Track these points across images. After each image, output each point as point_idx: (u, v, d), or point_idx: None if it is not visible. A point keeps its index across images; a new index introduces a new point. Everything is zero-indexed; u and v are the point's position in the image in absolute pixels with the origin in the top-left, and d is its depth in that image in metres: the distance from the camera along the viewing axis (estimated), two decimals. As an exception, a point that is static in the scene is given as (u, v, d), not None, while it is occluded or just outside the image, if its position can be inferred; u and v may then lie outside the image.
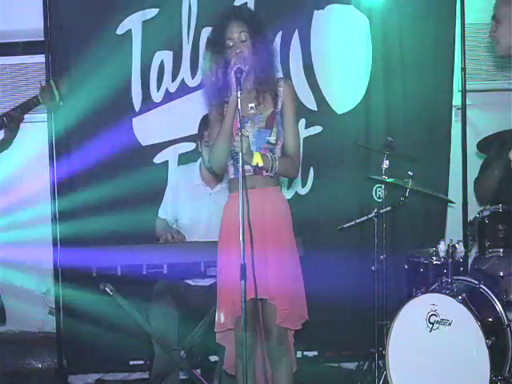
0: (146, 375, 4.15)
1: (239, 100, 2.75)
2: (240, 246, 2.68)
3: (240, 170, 2.73)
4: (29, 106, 3.64)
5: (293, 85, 3.12)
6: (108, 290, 3.38)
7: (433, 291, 3.39)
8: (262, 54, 2.91)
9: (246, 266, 2.67)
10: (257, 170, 2.91)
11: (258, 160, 2.84)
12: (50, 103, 3.68)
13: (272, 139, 2.94)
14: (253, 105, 2.94)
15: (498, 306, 3.44)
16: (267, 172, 2.90)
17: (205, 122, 3.75)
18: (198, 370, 3.80)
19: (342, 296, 4.30)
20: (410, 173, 3.80)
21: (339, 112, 4.35)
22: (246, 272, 2.67)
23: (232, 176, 3.01)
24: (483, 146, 3.97)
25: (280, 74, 3.10)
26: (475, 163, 4.32)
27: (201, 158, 3.85)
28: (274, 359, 2.94)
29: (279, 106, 2.97)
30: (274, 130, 2.94)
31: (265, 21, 3.05)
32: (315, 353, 4.38)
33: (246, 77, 2.85)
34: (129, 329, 4.00)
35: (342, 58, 4.35)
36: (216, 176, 3.69)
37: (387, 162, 3.83)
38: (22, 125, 4.60)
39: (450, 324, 3.21)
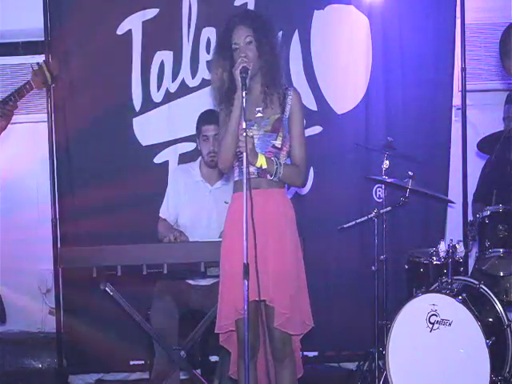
0: (146, 375, 4.14)
1: (244, 100, 2.76)
2: (242, 246, 2.68)
3: (245, 169, 2.73)
4: (22, 92, 3.64)
5: (300, 96, 3.10)
6: (108, 290, 3.38)
7: (433, 291, 3.39)
8: (267, 56, 2.92)
9: (248, 265, 2.67)
10: (261, 172, 2.91)
11: (262, 162, 2.86)
12: (43, 86, 3.69)
13: (277, 143, 2.94)
14: (260, 108, 2.96)
15: (498, 306, 3.44)
16: (271, 176, 2.91)
17: (203, 118, 3.77)
18: (198, 370, 3.79)
19: (341, 296, 4.32)
20: (410, 173, 3.79)
21: (339, 112, 4.35)
22: (249, 271, 2.67)
23: (237, 178, 3.01)
24: (483, 146, 3.97)
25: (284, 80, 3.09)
26: (475, 163, 4.33)
27: (200, 156, 3.85)
28: (278, 360, 2.94)
29: (287, 112, 2.98)
30: (279, 135, 2.94)
31: (271, 23, 3.03)
32: (315, 353, 4.38)
33: (252, 79, 2.86)
34: (129, 329, 4.01)
35: (342, 58, 4.35)
36: (216, 172, 3.70)
37: (387, 162, 3.82)
38: (22, 125, 4.65)
39: (450, 324, 3.21)
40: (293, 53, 4.29)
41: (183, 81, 4.31)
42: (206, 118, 3.75)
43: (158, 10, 4.28)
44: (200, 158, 3.86)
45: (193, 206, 3.79)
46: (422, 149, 4.34)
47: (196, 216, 3.77)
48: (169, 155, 4.32)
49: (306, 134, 4.19)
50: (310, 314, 2.97)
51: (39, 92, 4.52)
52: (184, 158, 4.25)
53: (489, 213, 3.71)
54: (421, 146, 4.35)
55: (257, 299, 2.79)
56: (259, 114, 2.95)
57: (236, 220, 2.87)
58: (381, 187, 4.17)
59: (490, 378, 3.10)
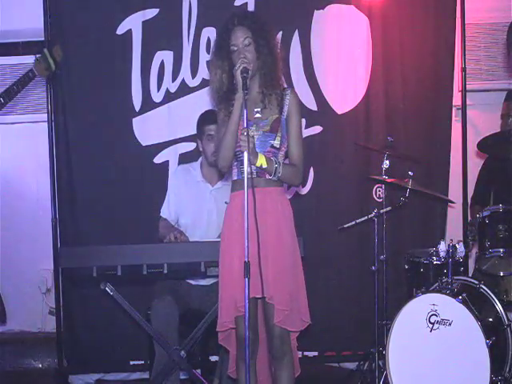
0: (146, 375, 4.14)
1: (245, 100, 2.77)
2: (242, 244, 2.71)
3: (245, 167, 2.74)
4: (25, 80, 3.63)
5: (299, 97, 3.11)
6: (108, 290, 3.37)
7: (433, 291, 3.39)
8: (266, 58, 2.93)
9: (249, 264, 2.69)
10: (259, 172, 2.92)
11: (262, 161, 2.88)
12: (46, 73, 3.66)
13: (276, 143, 2.96)
14: (259, 109, 2.97)
15: (498, 306, 3.44)
16: (270, 175, 2.93)
17: (205, 118, 3.76)
18: (198, 370, 3.79)
19: (342, 296, 4.32)
20: (410, 173, 3.79)
21: (339, 112, 4.35)
22: (250, 270, 2.69)
23: (235, 177, 3.03)
24: (483, 145, 3.97)
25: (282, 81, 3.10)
26: (475, 163, 4.33)
27: (202, 157, 3.85)
28: (276, 358, 2.94)
29: (285, 113, 2.99)
30: (278, 135, 2.96)
31: (269, 24, 3.04)
32: (315, 353, 4.38)
33: (250, 79, 2.88)
34: (129, 329, 4.01)
35: (342, 58, 4.35)
36: (217, 172, 3.69)
37: (387, 162, 3.82)
38: (22, 125, 4.66)
39: (450, 324, 3.21)
40: (293, 53, 4.29)
41: (183, 81, 4.31)
42: (209, 117, 3.74)
43: (157, 10, 4.27)
44: (201, 158, 3.86)
45: (193, 206, 3.79)
46: (422, 149, 4.34)
47: (196, 216, 3.77)
48: (169, 155, 4.32)
49: (306, 134, 4.25)
50: (307, 311, 2.98)
51: (39, 92, 4.54)
52: (184, 158, 4.25)
53: (489, 213, 3.72)
54: (421, 146, 4.35)
55: (257, 296, 2.82)
56: (258, 115, 2.97)
57: (235, 218, 2.91)
58: (381, 187, 4.17)
59: (490, 378, 3.10)
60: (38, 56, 3.63)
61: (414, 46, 4.33)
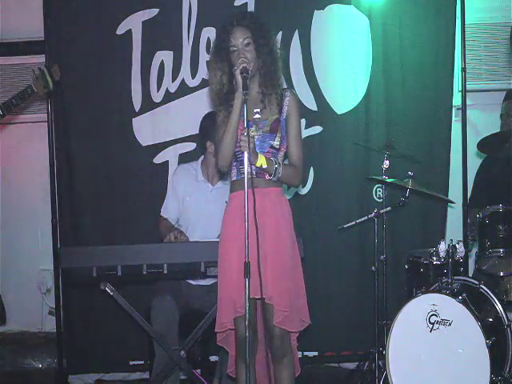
0: (146, 375, 4.15)
1: (245, 99, 2.78)
2: (241, 245, 2.72)
3: (245, 167, 2.75)
4: (23, 96, 3.63)
5: (298, 97, 3.11)
6: (108, 290, 3.38)
7: (433, 291, 3.39)
8: (266, 57, 2.94)
9: (249, 264, 2.69)
10: (259, 172, 2.92)
11: (262, 162, 2.88)
12: (44, 91, 3.67)
13: (276, 144, 2.97)
14: (258, 110, 2.97)
15: (498, 306, 3.44)
16: (270, 176, 2.93)
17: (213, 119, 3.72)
18: (198, 370, 3.79)
19: (341, 296, 4.32)
20: (410, 173, 3.79)
21: (339, 112, 4.35)
22: (250, 269, 2.69)
23: (234, 178, 3.03)
24: (483, 145, 3.98)
25: (283, 80, 3.10)
26: (475, 163, 4.32)
27: (202, 156, 3.85)
28: (276, 358, 2.95)
29: (284, 113, 3.00)
30: (277, 135, 2.97)
31: (268, 24, 3.04)
32: (315, 353, 4.38)
33: (250, 80, 2.88)
34: (129, 329, 4.01)
35: (342, 58, 4.35)
36: (218, 172, 3.69)
37: (387, 162, 3.82)
38: (22, 125, 4.66)
39: (450, 324, 3.21)
40: (293, 53, 4.29)
41: (183, 81, 4.31)
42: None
43: (157, 10, 4.28)
44: (201, 158, 3.86)
45: (194, 205, 3.79)
46: (422, 149, 4.34)
47: (196, 216, 3.77)
48: (169, 155, 4.32)
49: (306, 134, 4.25)
50: (307, 311, 2.99)
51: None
52: (184, 158, 4.24)
53: (489, 213, 3.72)
54: (421, 146, 4.35)
55: (256, 297, 2.82)
56: (257, 116, 2.97)
57: (235, 219, 2.91)
58: (381, 187, 4.17)
59: (490, 378, 3.10)
60: (36, 73, 3.62)
61: (414, 46, 4.33)
